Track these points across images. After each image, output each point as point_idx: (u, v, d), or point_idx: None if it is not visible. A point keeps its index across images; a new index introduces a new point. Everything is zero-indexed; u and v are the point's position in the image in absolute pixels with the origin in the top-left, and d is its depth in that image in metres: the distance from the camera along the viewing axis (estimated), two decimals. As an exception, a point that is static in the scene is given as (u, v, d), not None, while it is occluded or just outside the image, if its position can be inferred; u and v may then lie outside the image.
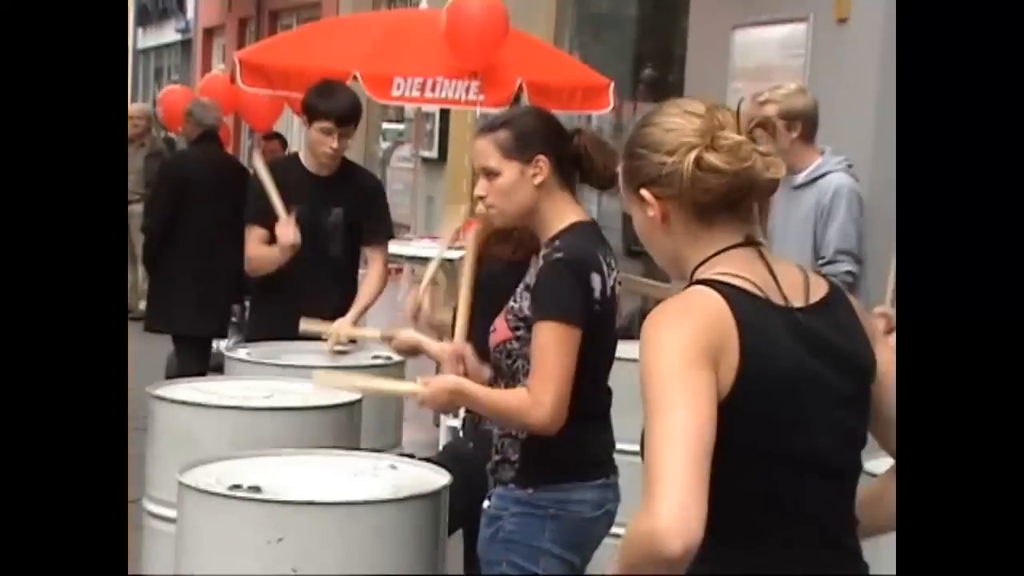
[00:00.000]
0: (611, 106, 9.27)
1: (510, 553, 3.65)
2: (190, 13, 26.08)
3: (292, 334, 5.56)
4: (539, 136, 3.75)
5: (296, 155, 6.62)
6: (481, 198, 3.85)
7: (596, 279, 3.62)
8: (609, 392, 3.84)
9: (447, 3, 8.42)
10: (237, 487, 3.77)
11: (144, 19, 30.57)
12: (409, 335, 4.48)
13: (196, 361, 8.17)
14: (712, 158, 2.44)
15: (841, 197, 5.75)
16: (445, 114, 10.65)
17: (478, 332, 4.15)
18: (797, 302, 2.51)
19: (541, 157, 3.67)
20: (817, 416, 2.48)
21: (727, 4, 8.38)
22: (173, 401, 4.77)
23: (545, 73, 8.87)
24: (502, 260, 4.49)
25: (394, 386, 4.42)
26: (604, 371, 3.81)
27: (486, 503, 3.83)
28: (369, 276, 6.11)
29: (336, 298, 5.92)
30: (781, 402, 2.43)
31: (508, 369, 3.75)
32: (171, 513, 4.20)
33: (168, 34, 28.35)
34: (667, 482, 2.22)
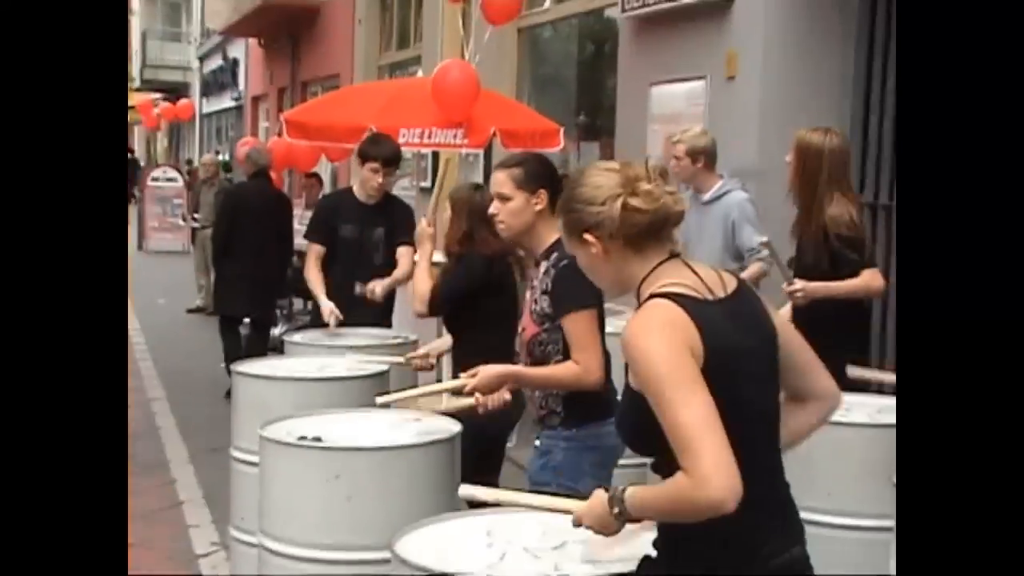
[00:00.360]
0: (561, 146, 9.73)
1: (559, 477, 4.01)
2: (241, 85, 28.88)
3: (345, 315, 6.48)
4: (542, 176, 4.22)
5: (350, 188, 7.30)
6: (494, 215, 4.27)
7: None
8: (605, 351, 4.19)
9: (434, 71, 9.13)
10: (303, 438, 4.16)
11: (207, 90, 34.26)
12: (496, 369, 4.28)
13: (258, 342, 9.78)
14: (634, 202, 2.73)
15: (744, 209, 6.33)
16: (436, 154, 11.36)
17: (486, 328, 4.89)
18: (720, 294, 2.73)
19: (542, 191, 4.15)
20: (755, 378, 2.73)
21: (646, 66, 8.69)
22: (251, 375, 5.26)
23: (511, 122, 9.46)
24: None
25: (451, 403, 4.36)
26: (603, 334, 4.20)
27: (537, 442, 4.25)
28: (401, 263, 6.79)
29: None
30: (734, 372, 2.63)
31: (541, 355, 4.15)
32: (254, 459, 4.54)
33: (225, 101, 31.36)
34: (708, 452, 2.44)
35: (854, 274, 5.19)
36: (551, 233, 4.08)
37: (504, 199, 4.22)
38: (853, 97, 7.33)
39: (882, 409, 4.64)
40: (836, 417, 4.18)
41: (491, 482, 4.54)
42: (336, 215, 6.93)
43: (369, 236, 6.88)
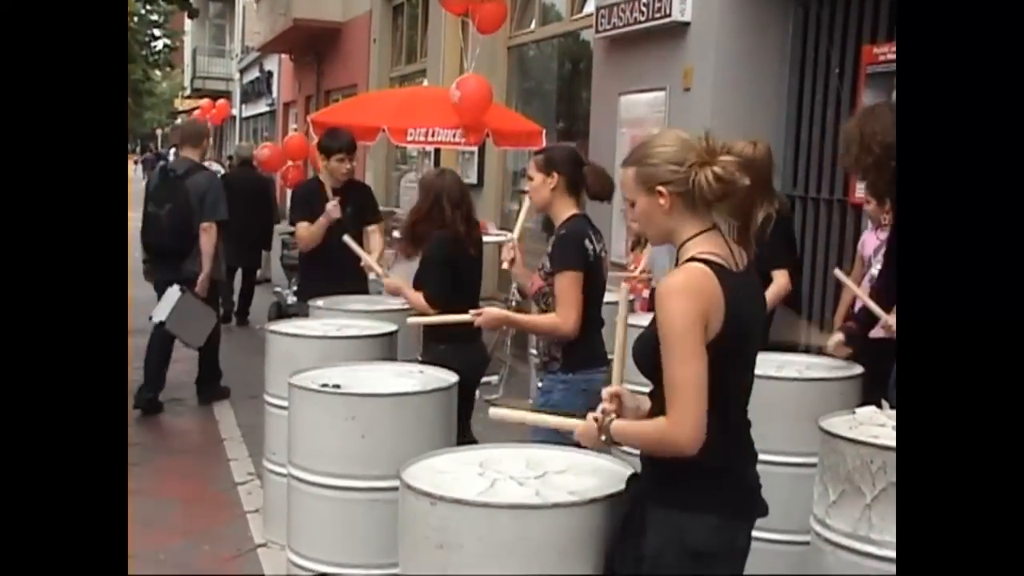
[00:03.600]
0: (543, 144, 9.48)
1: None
2: (275, 93, 28.98)
3: (331, 288, 6.27)
4: (558, 162, 4.30)
5: (317, 178, 7.14)
6: (524, 191, 4.51)
7: (587, 243, 4.18)
8: (600, 313, 4.32)
9: (453, 84, 9.03)
10: (325, 386, 4.19)
11: (246, 97, 34.52)
12: (496, 311, 4.61)
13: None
14: (716, 170, 2.66)
15: None
16: (438, 150, 11.38)
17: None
18: (741, 267, 2.75)
19: (555, 173, 4.24)
20: (754, 340, 2.81)
21: (615, 79, 8.65)
22: (281, 333, 5.29)
23: (502, 123, 9.48)
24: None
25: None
26: (601, 298, 4.34)
27: (539, 384, 4.36)
28: (373, 239, 6.78)
29: (352, 267, 6.36)
30: (745, 334, 2.70)
31: (545, 305, 4.28)
32: (283, 403, 4.57)
33: (261, 107, 31.48)
34: (690, 409, 2.56)
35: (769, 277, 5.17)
36: (565, 209, 4.30)
37: (529, 178, 4.37)
38: (788, 108, 7.35)
39: (810, 366, 4.68)
40: (772, 373, 4.38)
41: (468, 423, 4.80)
42: (315, 200, 6.77)
43: (342, 216, 6.68)
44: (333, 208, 6.58)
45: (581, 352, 4.18)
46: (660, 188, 2.71)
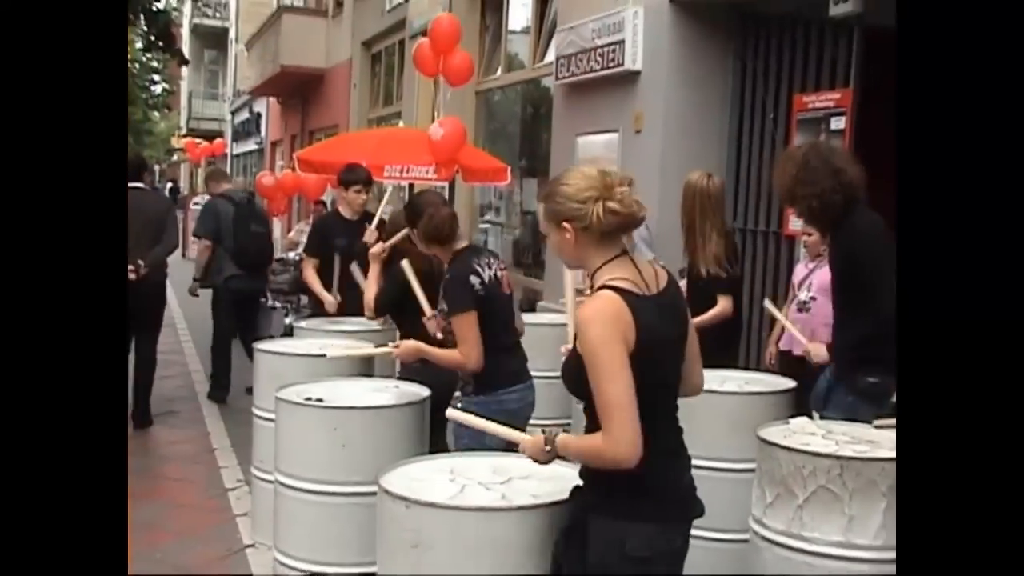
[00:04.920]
0: (508, 181, 9.89)
1: (469, 430, 3.80)
2: (263, 133, 28.88)
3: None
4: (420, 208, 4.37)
5: (337, 210, 7.17)
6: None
7: (473, 279, 4.12)
8: (513, 332, 4.30)
9: (435, 123, 8.98)
10: (309, 399, 4.17)
11: (236, 136, 34.32)
12: (413, 345, 4.37)
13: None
14: (611, 205, 2.67)
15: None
16: (411, 185, 11.38)
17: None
18: (654, 289, 2.72)
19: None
20: (669, 360, 2.77)
21: (573, 122, 8.68)
22: (269, 352, 5.28)
23: (471, 161, 9.45)
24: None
25: (504, 431, 3.35)
26: (507, 319, 4.30)
27: (459, 404, 4.14)
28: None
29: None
30: (657, 357, 2.67)
31: (451, 342, 4.18)
32: (271, 416, 4.55)
33: (251, 145, 31.27)
34: (623, 424, 2.54)
35: (715, 300, 5.20)
36: (448, 251, 4.30)
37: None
38: (728, 149, 7.42)
39: (749, 381, 4.71)
40: (714, 387, 4.38)
41: (440, 433, 4.63)
42: (331, 232, 6.83)
43: (355, 247, 6.62)
44: (331, 303, 6.67)
45: (490, 377, 4.15)
46: (565, 224, 2.72)
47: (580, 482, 2.83)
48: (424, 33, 10.00)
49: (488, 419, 3.12)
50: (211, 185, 9.68)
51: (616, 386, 2.54)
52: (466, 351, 4.07)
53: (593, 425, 2.66)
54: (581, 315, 2.63)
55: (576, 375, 2.67)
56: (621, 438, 2.53)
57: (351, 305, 6.40)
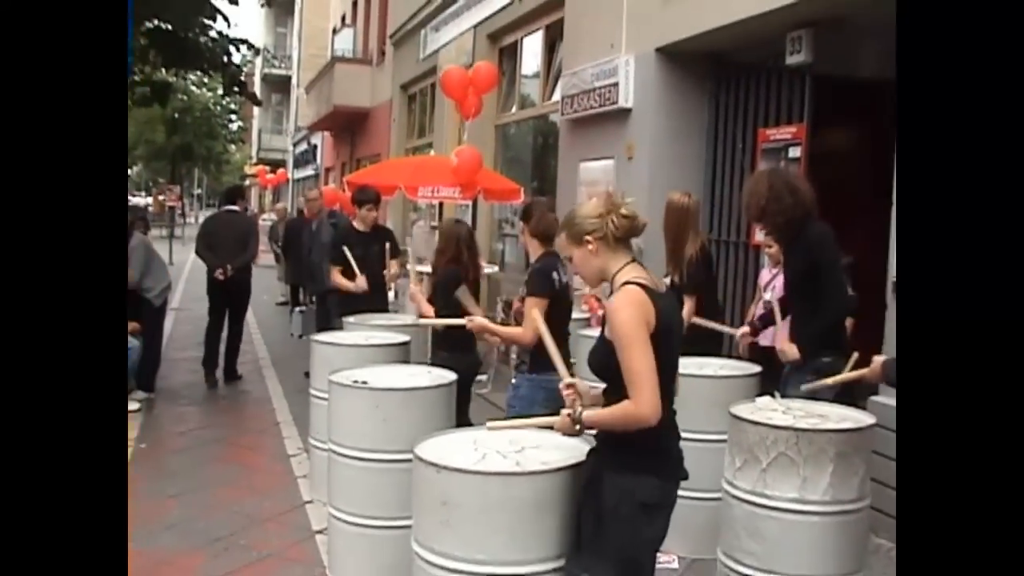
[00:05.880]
0: (521, 200, 9.69)
1: (521, 402, 4.07)
2: (319, 161, 29.02)
3: (364, 306, 6.42)
4: (529, 216, 4.39)
5: (352, 223, 7.12)
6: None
7: (554, 275, 4.12)
8: (565, 328, 4.20)
9: (453, 153, 8.93)
10: (356, 382, 4.14)
11: (296, 164, 34.50)
12: (482, 320, 4.34)
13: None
14: (624, 212, 2.75)
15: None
16: (441, 204, 11.36)
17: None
18: (662, 289, 2.78)
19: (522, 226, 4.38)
20: (676, 345, 2.78)
21: (576, 150, 8.58)
22: (323, 343, 5.24)
23: (491, 183, 9.42)
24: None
25: (534, 422, 3.22)
26: (565, 316, 4.26)
27: (513, 380, 4.25)
28: (393, 268, 6.78)
29: (379, 291, 6.73)
30: (671, 342, 2.71)
31: (516, 320, 4.24)
32: (324, 395, 4.56)
33: (308, 171, 31.36)
34: (649, 389, 2.57)
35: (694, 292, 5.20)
36: (537, 249, 4.30)
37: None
38: (705, 172, 7.39)
39: (722, 367, 4.70)
40: (694, 372, 4.38)
41: (465, 411, 4.58)
42: (347, 243, 6.76)
43: (369, 253, 6.72)
44: (364, 282, 6.63)
45: (543, 359, 3.95)
46: (587, 238, 2.76)
47: (587, 449, 2.87)
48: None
49: (534, 393, 3.24)
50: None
51: (644, 359, 2.57)
52: (527, 329, 4.00)
53: (618, 398, 2.67)
54: (612, 304, 2.65)
55: (603, 359, 2.71)
56: (648, 401, 2.56)
57: (377, 300, 6.63)
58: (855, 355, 3.78)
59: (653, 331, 2.60)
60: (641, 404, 2.57)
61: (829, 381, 3.72)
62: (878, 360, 3.55)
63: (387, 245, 6.80)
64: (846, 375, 3.66)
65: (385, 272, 6.74)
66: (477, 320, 4.33)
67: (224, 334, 8.59)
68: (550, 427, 2.90)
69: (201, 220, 10.96)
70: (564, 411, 2.81)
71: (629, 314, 2.60)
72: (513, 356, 4.92)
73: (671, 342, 2.70)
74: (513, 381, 4.28)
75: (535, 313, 3.73)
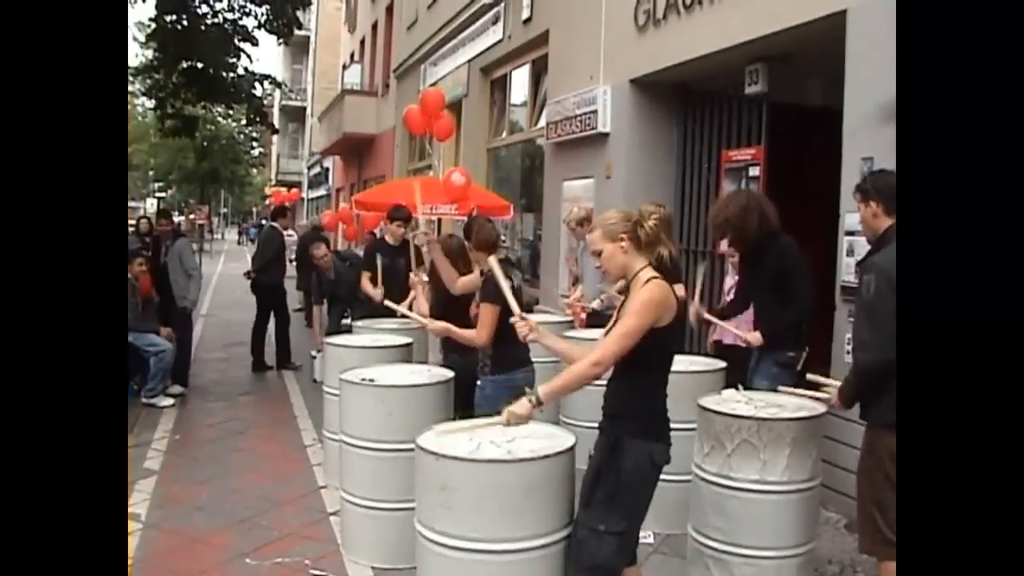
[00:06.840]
0: (511, 215, 9.74)
1: (487, 402, 3.91)
2: (330, 182, 28.69)
3: (375, 312, 6.34)
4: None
5: (383, 237, 7.11)
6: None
7: (504, 283, 3.83)
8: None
9: (444, 173, 8.90)
10: (364, 379, 4.10)
11: (311, 185, 34.24)
12: (440, 324, 4.20)
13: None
14: (652, 222, 2.81)
15: None
16: (440, 220, 11.32)
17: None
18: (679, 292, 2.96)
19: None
20: (679, 336, 2.91)
21: (559, 170, 8.57)
22: (335, 344, 5.17)
23: (483, 201, 9.25)
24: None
25: (486, 420, 3.17)
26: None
27: (479, 382, 4.05)
28: (418, 272, 6.53)
29: (403, 298, 6.43)
30: (677, 330, 2.83)
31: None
32: (336, 391, 4.50)
33: (321, 191, 31.18)
34: (612, 355, 2.67)
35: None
36: (483, 260, 4.08)
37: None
38: (675, 189, 7.39)
39: (692, 363, 4.65)
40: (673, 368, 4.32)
41: (470, 407, 4.36)
42: (379, 254, 6.79)
43: (396, 264, 6.72)
44: (379, 296, 6.54)
45: (503, 360, 3.98)
46: (621, 235, 2.81)
47: (599, 423, 2.91)
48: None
49: (500, 393, 3.21)
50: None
51: (631, 333, 2.64)
52: (479, 331, 3.93)
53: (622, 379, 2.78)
54: (645, 289, 2.70)
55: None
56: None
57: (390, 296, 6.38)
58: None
59: (668, 324, 2.69)
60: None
61: (800, 392, 3.62)
62: (833, 391, 3.34)
63: (411, 258, 6.76)
64: (812, 392, 3.49)
65: (412, 276, 6.69)
66: (435, 323, 4.20)
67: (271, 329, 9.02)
68: (503, 423, 2.92)
69: (228, 236, 11.07)
70: (524, 398, 2.89)
71: (652, 299, 2.67)
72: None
73: (677, 332, 2.81)
74: (479, 382, 4.14)
75: (492, 261, 3.59)
